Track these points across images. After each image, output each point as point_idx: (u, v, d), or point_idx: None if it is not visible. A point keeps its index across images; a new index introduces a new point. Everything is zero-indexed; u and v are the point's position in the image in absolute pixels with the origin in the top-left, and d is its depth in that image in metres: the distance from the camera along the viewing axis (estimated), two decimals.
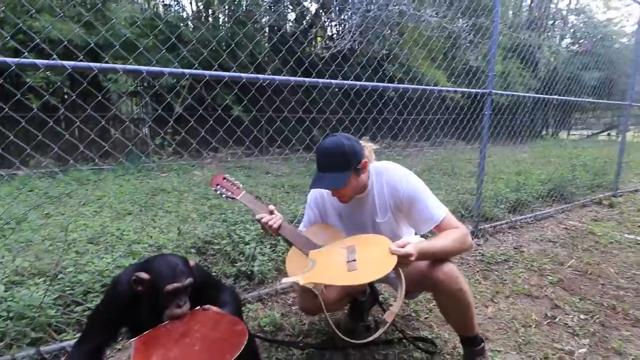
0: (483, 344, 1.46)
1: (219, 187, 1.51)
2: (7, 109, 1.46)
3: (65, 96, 6.20)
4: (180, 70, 1.62)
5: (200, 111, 2.12)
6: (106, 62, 1.60)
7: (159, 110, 2.65)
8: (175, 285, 1.14)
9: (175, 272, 1.15)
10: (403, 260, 1.20)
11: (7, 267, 2.00)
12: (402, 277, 1.30)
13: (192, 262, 1.25)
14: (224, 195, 1.49)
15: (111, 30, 4.98)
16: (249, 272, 2.15)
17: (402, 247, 1.22)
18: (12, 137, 1.67)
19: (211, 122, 2.01)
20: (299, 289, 1.32)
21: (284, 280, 1.31)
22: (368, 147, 1.50)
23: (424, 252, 1.27)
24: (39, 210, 3.47)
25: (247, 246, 2.35)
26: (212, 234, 2.49)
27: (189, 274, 1.18)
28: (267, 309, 1.97)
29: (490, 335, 1.76)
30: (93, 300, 1.77)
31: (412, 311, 1.96)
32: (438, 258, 1.33)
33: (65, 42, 1.74)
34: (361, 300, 1.73)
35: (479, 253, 2.73)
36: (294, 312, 1.95)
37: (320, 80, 2.03)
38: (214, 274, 2.14)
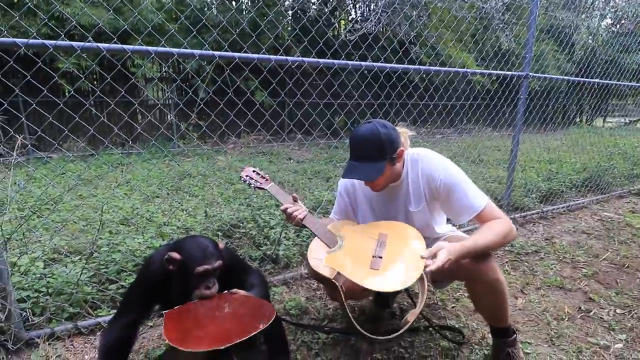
0: (515, 335, 1.41)
1: (247, 177, 1.55)
2: (45, 91, 1.50)
3: (95, 82, 6.38)
4: (211, 52, 1.61)
5: (230, 94, 2.12)
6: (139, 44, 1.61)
7: (189, 93, 2.67)
8: (205, 267, 1.16)
9: (205, 254, 1.18)
10: (434, 269, 1.14)
11: (45, 245, 2.11)
12: (425, 280, 1.28)
13: (221, 245, 1.27)
14: (252, 186, 1.53)
15: (139, 16, 5.05)
16: (274, 256, 2.17)
17: (435, 256, 1.16)
18: (50, 119, 1.72)
19: (240, 105, 2.01)
20: (317, 273, 1.30)
21: (310, 256, 1.32)
22: (404, 133, 1.45)
23: (463, 254, 1.19)
24: (73, 191, 3.63)
25: (273, 230, 2.37)
26: (238, 218, 2.52)
27: (218, 256, 1.20)
28: (292, 293, 1.99)
29: (521, 327, 1.72)
30: (126, 279, 1.84)
31: (439, 300, 1.93)
32: (484, 252, 1.26)
33: (100, 24, 1.75)
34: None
35: (508, 244, 2.65)
36: (318, 297, 1.96)
37: (350, 62, 1.97)
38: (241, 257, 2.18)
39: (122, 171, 4.51)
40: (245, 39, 5.09)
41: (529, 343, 1.60)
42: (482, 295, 1.33)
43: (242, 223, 2.45)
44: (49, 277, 1.74)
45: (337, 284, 1.24)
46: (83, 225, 2.54)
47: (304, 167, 4.74)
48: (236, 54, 1.65)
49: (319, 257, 1.31)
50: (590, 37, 9.92)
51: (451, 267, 1.34)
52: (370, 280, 1.17)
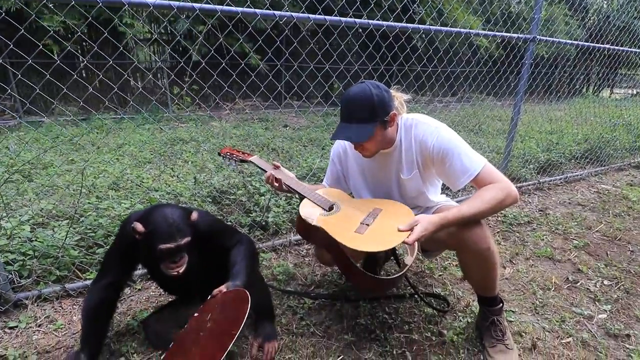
0: (501, 304, 1.42)
1: (228, 154, 1.55)
2: (30, 60, 1.39)
3: (84, 44, 6.10)
4: (190, 4, 1.49)
5: (224, 61, 2.00)
6: None
7: (182, 58, 2.53)
8: (168, 246, 1.12)
9: (170, 231, 1.12)
10: (410, 242, 1.13)
11: (31, 209, 2.08)
12: (416, 246, 1.27)
13: (194, 215, 1.21)
14: (233, 161, 1.53)
15: None
16: (264, 223, 2.15)
17: (411, 229, 1.15)
18: (39, 85, 1.62)
19: (235, 72, 1.90)
20: (307, 224, 1.29)
21: (302, 208, 1.31)
22: (399, 97, 1.37)
23: (443, 225, 1.17)
24: (63, 156, 3.57)
25: (262, 197, 2.34)
26: (228, 184, 2.49)
27: (185, 232, 1.15)
28: (280, 259, 1.99)
29: (506, 295, 1.73)
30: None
31: (426, 268, 1.94)
32: (470, 222, 1.22)
33: None
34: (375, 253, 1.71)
35: (501, 214, 2.63)
36: (306, 263, 1.97)
37: (343, 19, 1.83)
38: (229, 223, 2.16)
39: (115, 136, 4.42)
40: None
41: (512, 311, 1.61)
42: (472, 265, 1.32)
43: (233, 190, 2.41)
44: (34, 240, 1.72)
45: (322, 228, 1.22)
46: (73, 190, 2.51)
47: (299, 134, 4.65)
48: (218, 7, 1.52)
49: (310, 215, 1.29)
50: (605, 0, 9.43)
51: (437, 237, 1.31)
52: (348, 239, 1.15)
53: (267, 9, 1.72)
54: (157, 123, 5.22)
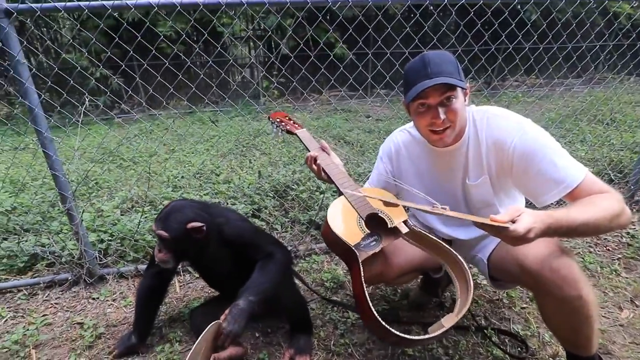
0: None
1: (277, 120, 1.42)
2: (145, 64, 1.57)
3: (187, 42, 6.87)
4: None
5: (315, 54, 1.95)
6: None
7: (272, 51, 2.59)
8: (154, 228, 1.17)
9: (159, 217, 1.18)
10: (514, 238, 0.80)
11: (126, 193, 2.39)
12: (470, 280, 0.98)
13: (191, 224, 1.13)
14: (281, 129, 1.38)
15: None
16: (320, 222, 2.06)
17: (514, 220, 0.80)
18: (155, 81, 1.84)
19: (321, 61, 1.84)
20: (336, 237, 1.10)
21: (333, 215, 1.11)
22: None
23: (555, 226, 0.82)
24: (167, 146, 4.08)
25: (323, 195, 2.25)
26: (292, 179, 2.46)
27: (169, 228, 1.13)
28: (332, 264, 1.88)
29: (617, 349, 1.29)
30: None
31: (505, 296, 1.59)
32: (576, 237, 0.92)
33: None
34: (435, 277, 1.46)
35: (627, 233, 2.01)
36: None
37: None
38: (288, 218, 2.14)
39: (210, 128, 4.87)
40: None
41: None
42: (555, 315, 0.99)
43: (295, 185, 2.38)
44: (116, 224, 1.97)
45: (355, 251, 1.03)
46: (165, 179, 2.82)
47: (378, 126, 4.39)
48: None
49: (346, 224, 1.10)
50: None
51: (506, 266, 1.02)
52: (436, 209, 0.88)
53: None
54: (248, 115, 5.58)
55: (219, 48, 2.51)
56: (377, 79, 6.53)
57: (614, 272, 1.71)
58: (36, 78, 1.58)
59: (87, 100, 1.74)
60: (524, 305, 1.53)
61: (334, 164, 1.24)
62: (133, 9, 1.42)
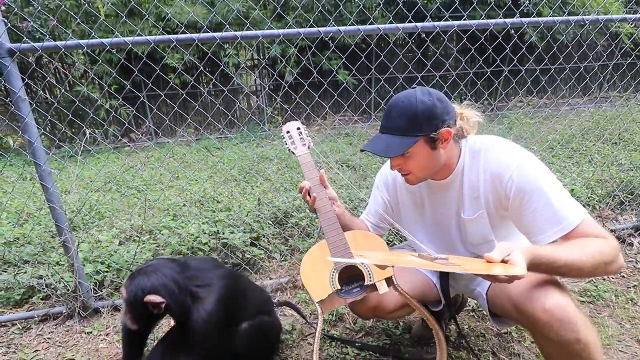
0: None
1: (287, 133, 1.34)
2: (171, 82, 1.61)
3: (200, 76, 7.10)
4: (296, 30, 1.56)
5: (314, 75, 2.00)
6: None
7: (274, 78, 2.66)
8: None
9: (130, 274, 1.07)
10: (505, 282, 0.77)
11: (125, 223, 2.39)
12: (440, 333, 1.01)
13: (148, 297, 1.00)
14: (287, 145, 1.33)
15: (227, 8, 5.39)
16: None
17: (505, 260, 0.78)
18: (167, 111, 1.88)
19: (324, 85, 1.87)
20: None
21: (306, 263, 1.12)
22: (467, 116, 1.07)
23: (535, 261, 0.80)
24: (172, 172, 4.12)
25: None
26: (292, 206, 2.44)
27: (129, 290, 1.02)
28: None
29: None
30: None
31: (514, 329, 1.50)
32: (559, 274, 0.87)
33: (198, 20, 1.81)
34: (435, 310, 1.39)
35: None
36: None
37: (438, 23, 1.61)
38: (288, 246, 2.09)
39: (215, 155, 4.93)
40: (329, 20, 4.90)
41: None
42: (553, 356, 0.92)
43: (295, 212, 2.35)
44: (113, 254, 1.95)
45: (317, 307, 1.00)
46: (166, 208, 2.82)
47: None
48: (301, 30, 1.56)
49: (318, 272, 1.10)
50: None
51: (501, 304, 0.98)
52: (438, 266, 0.82)
53: (352, 24, 1.64)
54: (253, 141, 5.65)
55: (229, 75, 2.56)
56: (379, 103, 6.63)
57: (630, 301, 1.61)
58: (48, 108, 1.62)
59: (87, 131, 1.77)
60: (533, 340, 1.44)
61: (326, 199, 1.21)
62: (130, 45, 1.46)
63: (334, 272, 1.09)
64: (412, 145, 0.98)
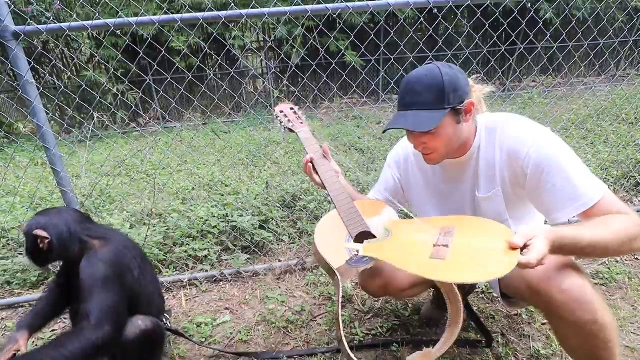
0: None
1: (282, 114, 1.31)
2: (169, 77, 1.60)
3: (206, 59, 7.02)
4: (303, 7, 1.51)
5: (324, 62, 1.95)
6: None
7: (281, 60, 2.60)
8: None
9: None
10: (533, 263, 0.73)
11: (135, 207, 2.42)
12: (460, 305, 0.95)
13: (38, 232, 1.06)
14: (283, 125, 1.29)
15: None
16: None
17: (527, 244, 0.76)
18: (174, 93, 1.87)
19: (331, 67, 1.82)
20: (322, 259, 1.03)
21: (320, 234, 1.06)
22: (476, 89, 1.05)
23: (558, 243, 0.78)
24: (181, 157, 4.13)
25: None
26: (301, 189, 2.43)
27: (27, 224, 1.09)
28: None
29: None
30: (188, 244, 1.97)
31: (524, 311, 1.49)
32: (582, 257, 0.86)
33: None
34: None
35: None
36: None
37: None
38: (297, 229, 2.09)
39: (219, 138, 4.92)
40: None
41: None
42: (568, 338, 0.91)
43: (304, 195, 2.35)
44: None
45: (338, 276, 0.96)
46: (175, 191, 2.84)
47: (389, 132, 4.33)
48: (308, 7, 1.50)
49: (333, 241, 1.05)
50: None
51: (514, 284, 0.96)
52: (429, 268, 0.81)
53: (360, 0, 1.57)
54: (258, 125, 5.62)
55: (235, 56, 2.52)
56: (388, 83, 6.50)
57: None
58: (56, 93, 1.61)
59: (95, 115, 1.76)
60: (545, 322, 1.43)
61: (331, 171, 1.19)
62: (135, 26, 1.44)
63: (348, 239, 1.06)
64: (442, 119, 0.94)
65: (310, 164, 1.19)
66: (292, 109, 1.34)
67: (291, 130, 1.28)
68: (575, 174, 0.89)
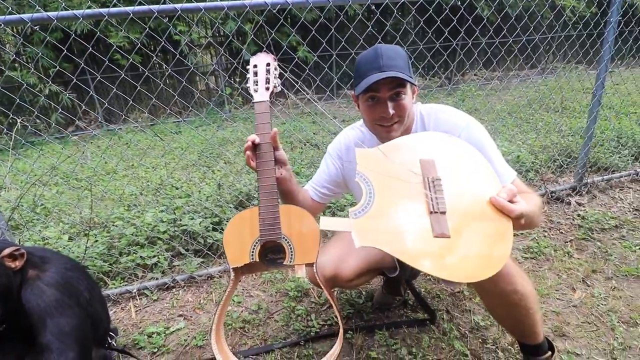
0: (550, 353, 1.07)
1: (255, 69, 1.08)
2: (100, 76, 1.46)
3: (149, 55, 6.64)
4: (240, 2, 1.50)
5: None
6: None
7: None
8: None
9: None
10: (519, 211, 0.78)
11: (76, 217, 2.25)
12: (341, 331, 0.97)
13: (11, 250, 0.94)
14: (248, 85, 1.08)
15: None
16: None
17: (512, 201, 0.79)
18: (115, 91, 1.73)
19: (287, 70, 1.79)
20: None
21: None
22: None
23: (527, 215, 0.82)
24: (127, 161, 3.90)
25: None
26: (254, 187, 2.41)
27: None
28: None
29: (571, 330, 1.33)
30: (136, 252, 1.88)
31: (466, 288, 1.60)
32: (533, 225, 0.90)
33: None
34: (392, 276, 1.45)
35: (578, 215, 2.11)
36: None
37: None
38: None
39: (172, 140, 4.71)
40: None
41: (576, 354, 1.23)
42: (495, 308, 1.01)
43: (257, 194, 2.33)
44: (60, 251, 1.84)
45: (232, 274, 0.96)
46: (119, 198, 2.68)
47: (344, 127, 4.41)
48: (268, 0, 1.48)
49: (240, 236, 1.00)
50: None
51: None
52: (452, 264, 0.72)
53: None
54: (213, 124, 5.45)
55: (177, 56, 2.42)
56: (342, 79, 6.59)
57: (567, 254, 1.78)
58: None
59: (18, 121, 1.61)
60: None
61: (273, 161, 1.03)
62: (81, 19, 1.32)
63: (256, 242, 1.00)
64: (413, 86, 1.02)
65: (251, 145, 1.01)
66: (268, 64, 1.09)
67: (250, 95, 1.07)
68: (496, 156, 1.03)
